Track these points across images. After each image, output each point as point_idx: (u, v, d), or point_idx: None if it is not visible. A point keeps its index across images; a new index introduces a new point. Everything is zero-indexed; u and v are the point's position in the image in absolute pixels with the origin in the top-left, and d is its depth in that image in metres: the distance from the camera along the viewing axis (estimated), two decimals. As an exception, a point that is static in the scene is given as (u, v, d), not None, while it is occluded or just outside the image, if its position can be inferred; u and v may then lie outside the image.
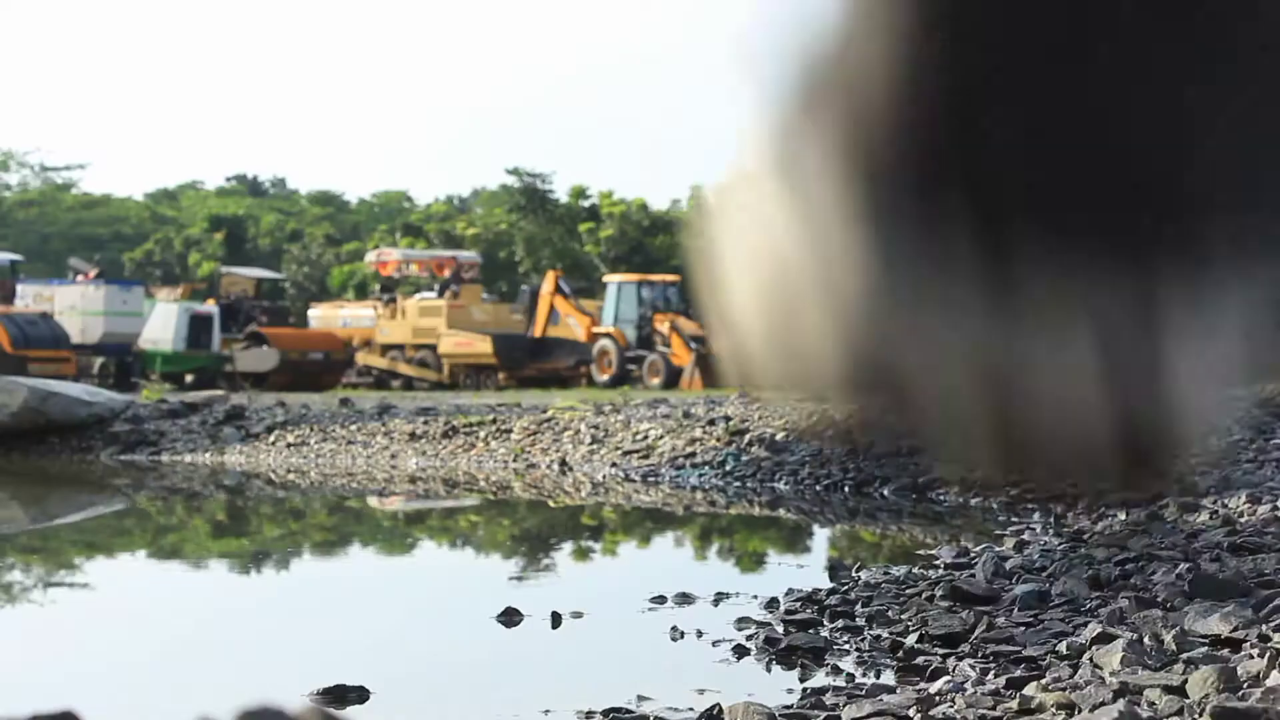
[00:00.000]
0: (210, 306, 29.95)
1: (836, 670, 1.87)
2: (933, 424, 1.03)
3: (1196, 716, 1.38)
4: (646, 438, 5.24)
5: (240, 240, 58.71)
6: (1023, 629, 1.92)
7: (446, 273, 32.33)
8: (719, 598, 2.44)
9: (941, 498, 4.05)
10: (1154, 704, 1.44)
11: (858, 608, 2.22)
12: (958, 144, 0.94)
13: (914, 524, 3.69)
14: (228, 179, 79.66)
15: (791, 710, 1.59)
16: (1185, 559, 2.29)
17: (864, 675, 1.83)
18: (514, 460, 5.37)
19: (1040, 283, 0.93)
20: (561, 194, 49.52)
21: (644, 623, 2.27)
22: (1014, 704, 1.50)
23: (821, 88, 0.99)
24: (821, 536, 3.67)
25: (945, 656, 1.85)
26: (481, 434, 5.77)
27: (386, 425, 6.12)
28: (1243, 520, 2.80)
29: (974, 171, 0.94)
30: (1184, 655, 1.61)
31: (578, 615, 2.31)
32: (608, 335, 28.60)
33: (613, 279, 30.93)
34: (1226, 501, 3.15)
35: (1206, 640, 1.69)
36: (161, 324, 28.28)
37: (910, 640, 1.98)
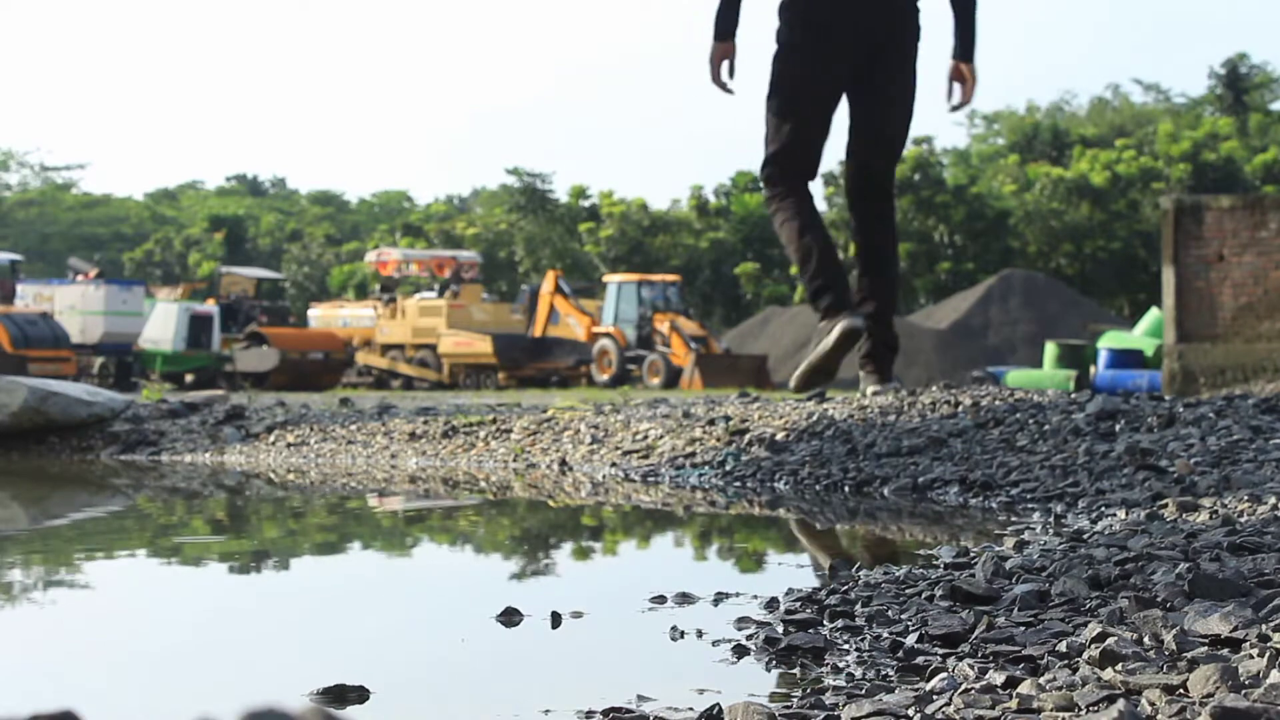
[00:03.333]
0: (210, 306, 29.98)
1: (836, 670, 1.87)
2: None
3: (1196, 716, 1.38)
4: (646, 438, 5.24)
5: (240, 240, 58.73)
6: (1023, 629, 1.92)
7: (446, 273, 32.36)
8: (719, 598, 2.44)
9: (941, 497, 4.05)
10: (1154, 704, 1.44)
11: (858, 608, 2.22)
12: None
13: (914, 524, 3.69)
14: (228, 179, 79.72)
15: (791, 710, 1.59)
16: (1185, 559, 2.30)
17: (864, 675, 1.83)
18: (514, 460, 5.37)
19: None
20: (561, 194, 49.53)
21: (644, 623, 2.27)
22: (1013, 704, 1.50)
23: None
24: (821, 536, 3.67)
25: (945, 656, 1.85)
26: (481, 434, 5.77)
27: (386, 425, 6.12)
28: (1243, 520, 2.80)
29: None
30: (1184, 655, 1.61)
31: (578, 615, 2.31)
32: (608, 335, 28.63)
33: (613, 279, 30.98)
34: (1226, 501, 3.15)
35: (1206, 640, 1.69)
36: (161, 324, 28.31)
37: (910, 640, 1.98)
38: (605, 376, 27.88)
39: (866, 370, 5.77)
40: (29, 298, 28.77)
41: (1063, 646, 1.75)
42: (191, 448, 6.12)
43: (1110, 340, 18.18)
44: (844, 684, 1.75)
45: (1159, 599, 1.96)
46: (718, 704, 1.62)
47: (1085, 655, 1.67)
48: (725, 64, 5.55)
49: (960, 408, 4.99)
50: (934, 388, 5.54)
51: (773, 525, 3.90)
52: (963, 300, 33.51)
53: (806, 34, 5.41)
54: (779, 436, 4.91)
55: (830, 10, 5.36)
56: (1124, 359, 17.19)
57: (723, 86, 5.59)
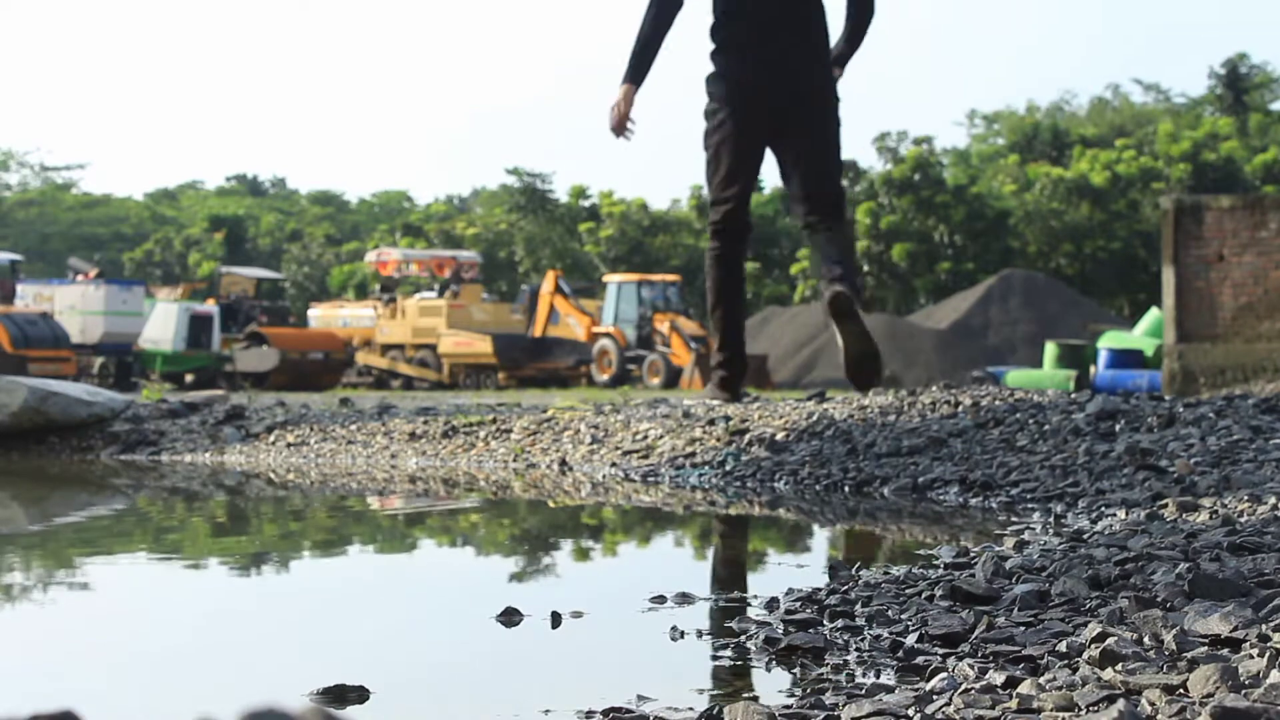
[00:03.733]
0: (210, 306, 29.97)
1: (836, 670, 1.87)
2: None
3: (1196, 716, 1.38)
4: (646, 438, 5.23)
5: (240, 240, 58.73)
6: (1023, 629, 1.92)
7: (446, 273, 32.36)
8: (719, 598, 2.44)
9: (941, 497, 4.05)
10: (1154, 704, 1.44)
11: (858, 608, 2.22)
12: None
13: (914, 524, 3.69)
14: (228, 179, 79.71)
15: (791, 710, 1.59)
16: (1185, 559, 2.30)
17: (864, 675, 1.83)
18: (514, 460, 5.37)
19: None
20: (561, 194, 49.53)
21: (644, 623, 2.27)
22: (1013, 704, 1.50)
23: None
24: (821, 536, 3.67)
25: (945, 656, 1.85)
26: (481, 434, 5.77)
27: (386, 425, 6.12)
28: (1243, 520, 2.80)
29: None
30: (1184, 655, 1.61)
31: (578, 615, 2.31)
32: (608, 335, 28.63)
33: (613, 279, 30.97)
34: (1226, 501, 3.15)
35: (1206, 640, 1.69)
36: (161, 324, 28.30)
37: (910, 640, 1.98)
38: (605, 376, 27.88)
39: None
40: (29, 298, 28.76)
41: (1063, 646, 1.75)
42: (191, 448, 6.12)
43: (1110, 340, 18.19)
44: (844, 684, 1.75)
45: (1159, 599, 1.96)
46: (718, 704, 1.62)
47: (1085, 655, 1.67)
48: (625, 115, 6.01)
49: (960, 408, 4.99)
50: (934, 388, 5.54)
51: (773, 525, 3.90)
52: (963, 300, 33.50)
53: (725, 107, 6.04)
54: (779, 436, 4.91)
55: (739, 88, 6.01)
56: (1124, 359, 17.20)
57: (624, 132, 6.00)
